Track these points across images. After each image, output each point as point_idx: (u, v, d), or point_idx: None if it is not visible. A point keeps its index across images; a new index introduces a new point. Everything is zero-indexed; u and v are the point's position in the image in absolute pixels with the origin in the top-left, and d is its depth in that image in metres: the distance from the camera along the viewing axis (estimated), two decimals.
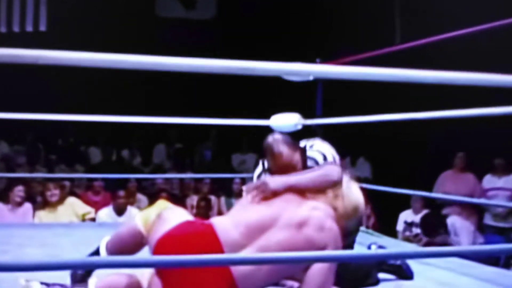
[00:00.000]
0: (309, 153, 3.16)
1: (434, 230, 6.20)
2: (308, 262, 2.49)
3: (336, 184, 2.91)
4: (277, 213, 2.63)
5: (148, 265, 1.78)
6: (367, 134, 7.69)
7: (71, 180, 8.02)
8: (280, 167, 3.06)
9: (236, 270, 2.49)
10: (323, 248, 2.59)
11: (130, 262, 1.71)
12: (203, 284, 2.46)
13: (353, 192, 2.86)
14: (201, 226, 2.61)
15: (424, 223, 6.41)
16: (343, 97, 8.08)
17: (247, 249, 2.53)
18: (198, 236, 2.55)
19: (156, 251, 2.55)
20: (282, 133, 3.30)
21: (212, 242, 2.52)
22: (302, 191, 2.80)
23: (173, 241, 2.54)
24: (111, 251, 2.80)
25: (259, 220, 2.61)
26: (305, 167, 3.10)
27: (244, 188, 2.90)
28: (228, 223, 2.61)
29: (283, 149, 3.07)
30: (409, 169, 8.26)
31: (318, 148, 3.17)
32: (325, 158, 3.10)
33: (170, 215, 2.67)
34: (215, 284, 2.47)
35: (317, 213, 2.65)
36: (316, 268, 2.57)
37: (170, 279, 2.49)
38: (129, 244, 2.75)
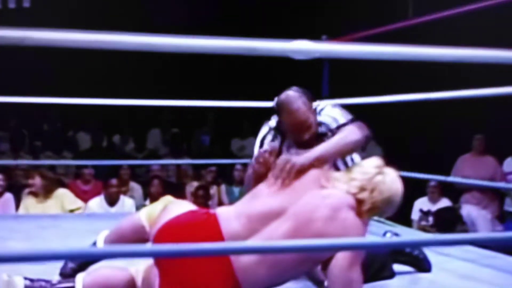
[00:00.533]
0: (319, 118, 3.18)
1: (449, 225, 6.22)
2: (310, 251, 2.41)
3: (360, 142, 3.01)
4: (285, 204, 2.60)
5: (140, 255, 1.79)
6: (378, 116, 7.66)
7: (54, 168, 8.02)
8: (296, 125, 3.10)
9: (236, 262, 2.49)
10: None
11: (119, 252, 1.71)
12: (202, 277, 2.47)
13: (386, 183, 2.70)
14: (203, 216, 2.62)
15: (438, 220, 6.43)
16: (351, 76, 8.07)
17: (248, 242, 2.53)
18: (199, 227, 2.55)
19: (154, 241, 2.57)
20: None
21: (213, 233, 2.53)
22: (327, 175, 2.74)
23: (172, 230, 2.55)
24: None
25: (262, 211, 2.58)
26: (317, 130, 3.14)
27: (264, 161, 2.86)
28: (231, 213, 2.61)
29: (301, 105, 3.10)
30: (424, 153, 8.27)
31: (327, 112, 3.20)
32: (336, 122, 3.13)
33: (174, 207, 2.68)
34: (215, 278, 2.48)
35: (328, 201, 2.57)
36: (336, 264, 2.52)
37: (167, 271, 2.51)
38: (130, 240, 2.75)
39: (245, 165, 7.81)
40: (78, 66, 10.08)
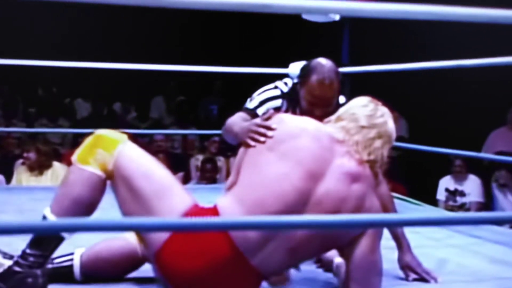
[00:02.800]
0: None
1: None
2: (326, 228, 2.36)
3: None
4: (304, 189, 2.47)
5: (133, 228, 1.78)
6: (402, 85, 7.64)
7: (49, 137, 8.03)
8: (322, 99, 3.04)
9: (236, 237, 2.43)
10: (356, 235, 2.52)
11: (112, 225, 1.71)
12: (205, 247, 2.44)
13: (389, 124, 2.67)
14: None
15: None
16: (374, 41, 8.04)
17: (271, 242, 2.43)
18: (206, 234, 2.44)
19: (158, 262, 2.48)
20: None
21: (222, 244, 2.43)
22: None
23: (179, 246, 2.45)
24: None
25: (281, 210, 2.43)
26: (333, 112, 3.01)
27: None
28: (237, 210, 2.46)
29: (335, 80, 3.06)
30: (452, 126, 8.22)
31: None
32: None
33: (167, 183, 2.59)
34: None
35: (355, 189, 2.49)
36: (360, 250, 2.52)
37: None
38: (94, 200, 2.58)
39: None
40: (77, 27, 10.07)
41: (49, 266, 2.77)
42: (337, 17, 4.88)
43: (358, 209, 2.47)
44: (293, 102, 3.23)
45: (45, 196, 4.91)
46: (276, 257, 2.45)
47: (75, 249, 2.85)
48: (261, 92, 3.34)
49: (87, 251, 2.83)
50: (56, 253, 2.85)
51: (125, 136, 2.65)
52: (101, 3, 1.55)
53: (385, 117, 2.66)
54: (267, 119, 2.67)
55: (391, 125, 2.66)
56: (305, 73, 3.13)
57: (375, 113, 2.65)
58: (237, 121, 3.10)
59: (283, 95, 3.29)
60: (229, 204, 2.49)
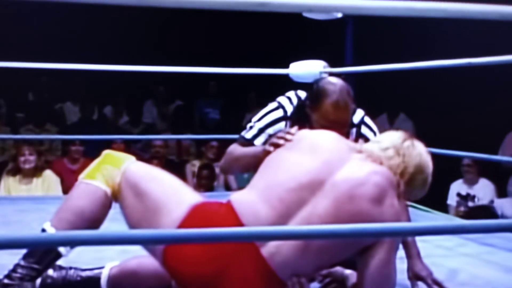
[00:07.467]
0: (362, 130, 3.19)
1: None
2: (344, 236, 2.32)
3: None
4: (320, 175, 2.52)
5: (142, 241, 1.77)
6: (409, 85, 7.64)
7: (40, 143, 8.01)
8: (336, 123, 3.00)
9: (267, 253, 2.44)
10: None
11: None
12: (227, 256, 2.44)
13: (416, 151, 2.68)
14: (219, 210, 2.51)
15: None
16: (378, 40, 8.03)
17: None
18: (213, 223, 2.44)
19: (168, 256, 2.49)
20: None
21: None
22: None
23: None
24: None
25: (294, 188, 2.49)
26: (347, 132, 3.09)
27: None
28: (253, 198, 2.51)
29: (350, 103, 3.05)
30: (463, 127, 8.20)
31: (371, 125, 3.22)
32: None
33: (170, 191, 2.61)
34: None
35: (376, 178, 2.52)
36: (372, 266, 2.51)
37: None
38: (98, 215, 2.65)
39: None
40: (64, 27, 10.07)
41: (78, 277, 2.87)
42: (339, 15, 4.88)
43: (377, 199, 2.49)
44: (300, 122, 3.11)
45: (33, 207, 4.95)
46: (288, 249, 2.45)
47: (107, 263, 2.90)
48: (261, 116, 3.27)
49: (118, 265, 2.87)
50: (88, 265, 2.94)
51: (133, 157, 2.74)
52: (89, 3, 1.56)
53: (416, 148, 2.69)
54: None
55: (418, 152, 2.68)
56: (316, 96, 3.08)
57: (401, 141, 2.68)
58: (240, 149, 3.17)
59: (287, 116, 3.23)
60: (242, 194, 2.56)
